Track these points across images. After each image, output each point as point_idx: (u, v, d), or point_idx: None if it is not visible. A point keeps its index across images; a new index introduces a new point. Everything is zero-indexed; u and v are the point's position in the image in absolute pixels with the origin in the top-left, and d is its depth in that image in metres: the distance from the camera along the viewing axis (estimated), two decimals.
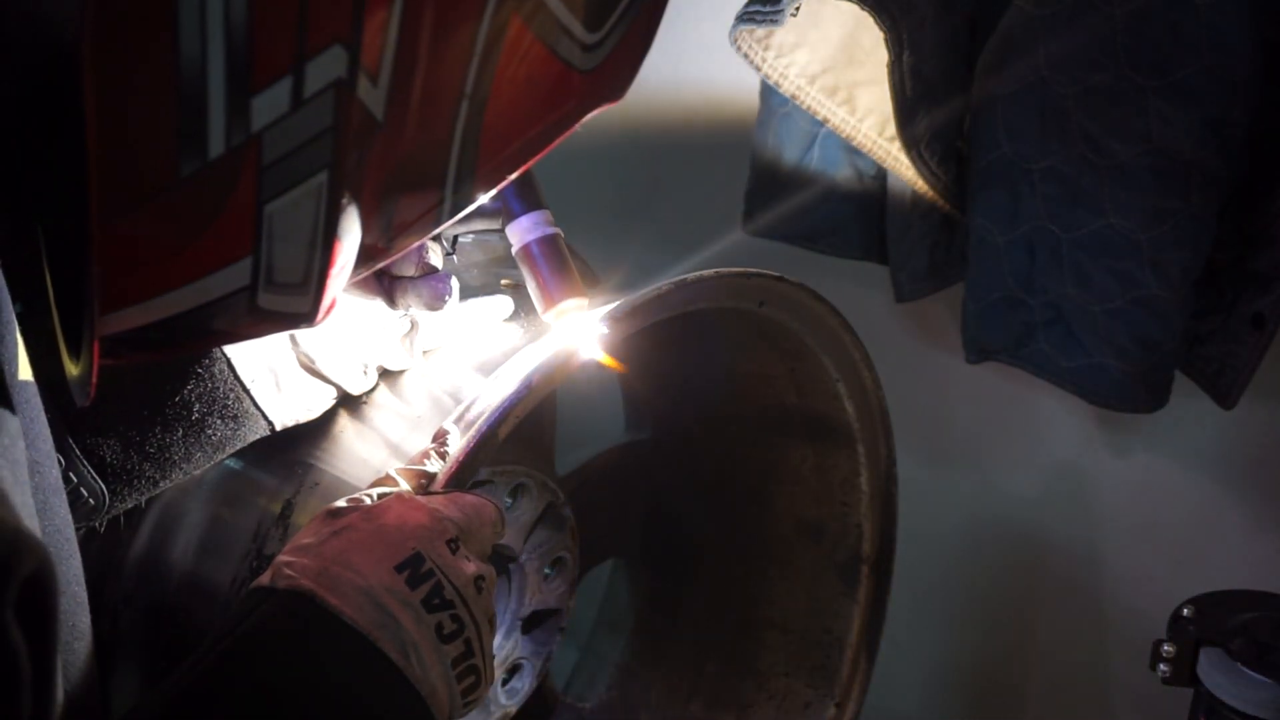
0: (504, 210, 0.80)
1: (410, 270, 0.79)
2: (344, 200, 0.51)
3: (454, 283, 0.80)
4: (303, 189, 0.49)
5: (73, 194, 0.44)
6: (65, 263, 0.46)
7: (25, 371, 0.50)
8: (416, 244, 0.59)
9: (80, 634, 0.57)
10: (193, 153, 0.46)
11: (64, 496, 0.56)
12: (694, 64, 1.28)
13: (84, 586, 0.58)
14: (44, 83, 0.43)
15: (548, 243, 0.79)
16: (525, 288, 0.83)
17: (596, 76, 0.59)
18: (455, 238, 0.90)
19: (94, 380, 0.48)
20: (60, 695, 0.44)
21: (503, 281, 0.90)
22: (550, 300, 0.79)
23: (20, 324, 0.49)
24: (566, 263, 0.79)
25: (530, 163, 0.60)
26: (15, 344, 0.49)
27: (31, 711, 0.41)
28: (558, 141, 0.60)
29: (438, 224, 0.58)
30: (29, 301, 0.48)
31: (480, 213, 0.61)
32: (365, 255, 0.56)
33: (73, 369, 0.49)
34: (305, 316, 0.55)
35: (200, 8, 0.43)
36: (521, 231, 0.79)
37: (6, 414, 0.47)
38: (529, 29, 0.54)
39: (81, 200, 0.44)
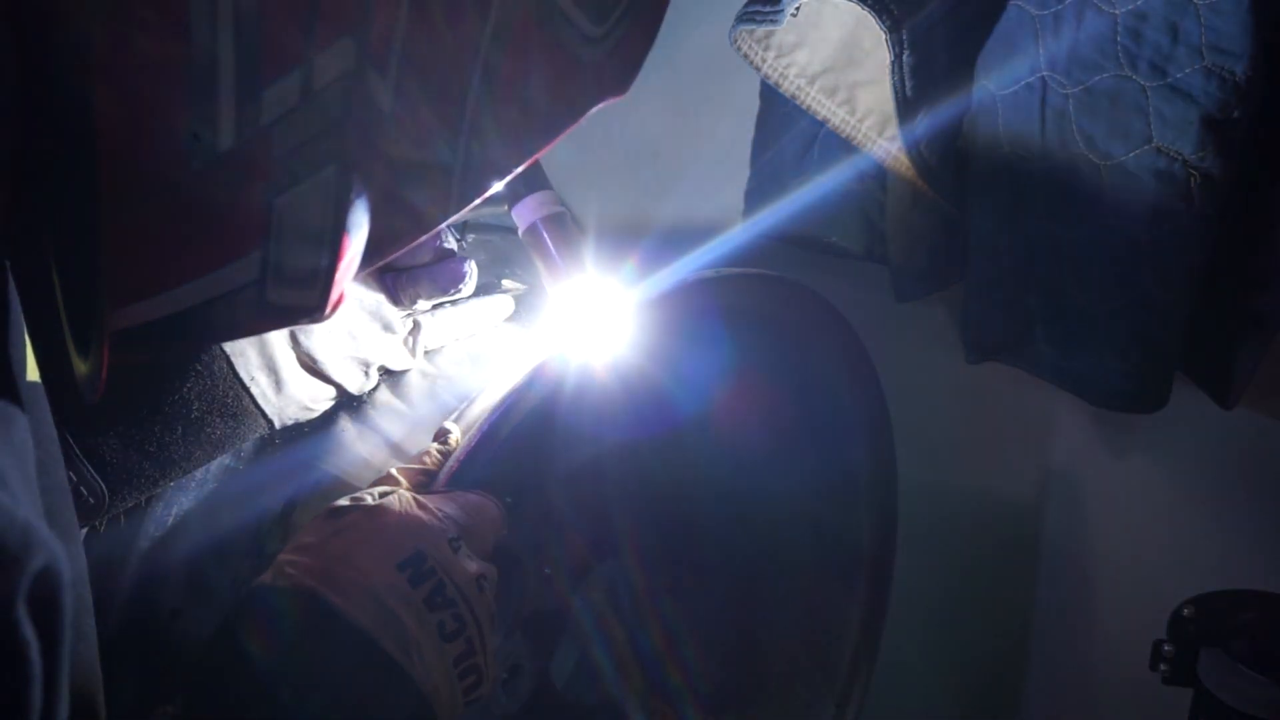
0: (509, 192, 0.80)
1: (425, 257, 0.79)
2: (353, 193, 0.51)
3: (471, 266, 0.80)
4: (312, 182, 0.49)
5: (82, 188, 0.44)
6: (73, 258, 0.46)
7: (33, 373, 0.49)
8: (423, 237, 0.59)
9: (84, 635, 0.56)
10: (203, 146, 0.46)
11: (70, 498, 0.55)
12: (694, 63, 1.28)
13: (89, 588, 0.57)
14: (54, 75, 0.43)
15: (554, 221, 0.79)
16: (525, 289, 0.83)
17: (601, 69, 0.60)
18: (465, 224, 0.90)
19: (103, 377, 0.48)
20: (67, 693, 0.44)
21: (503, 282, 0.90)
22: (559, 277, 0.79)
23: (28, 322, 0.49)
24: (574, 240, 0.80)
25: (536, 156, 0.60)
26: (23, 345, 0.49)
27: (41, 707, 0.41)
28: (563, 135, 0.60)
29: (445, 217, 0.58)
30: (35, 298, 0.48)
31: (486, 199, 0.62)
32: (373, 248, 0.56)
33: (81, 366, 0.49)
34: (313, 310, 0.55)
35: (211, 1, 0.43)
36: (528, 212, 0.79)
37: (16, 413, 0.47)
38: (535, 21, 0.54)
39: (91, 195, 0.44)
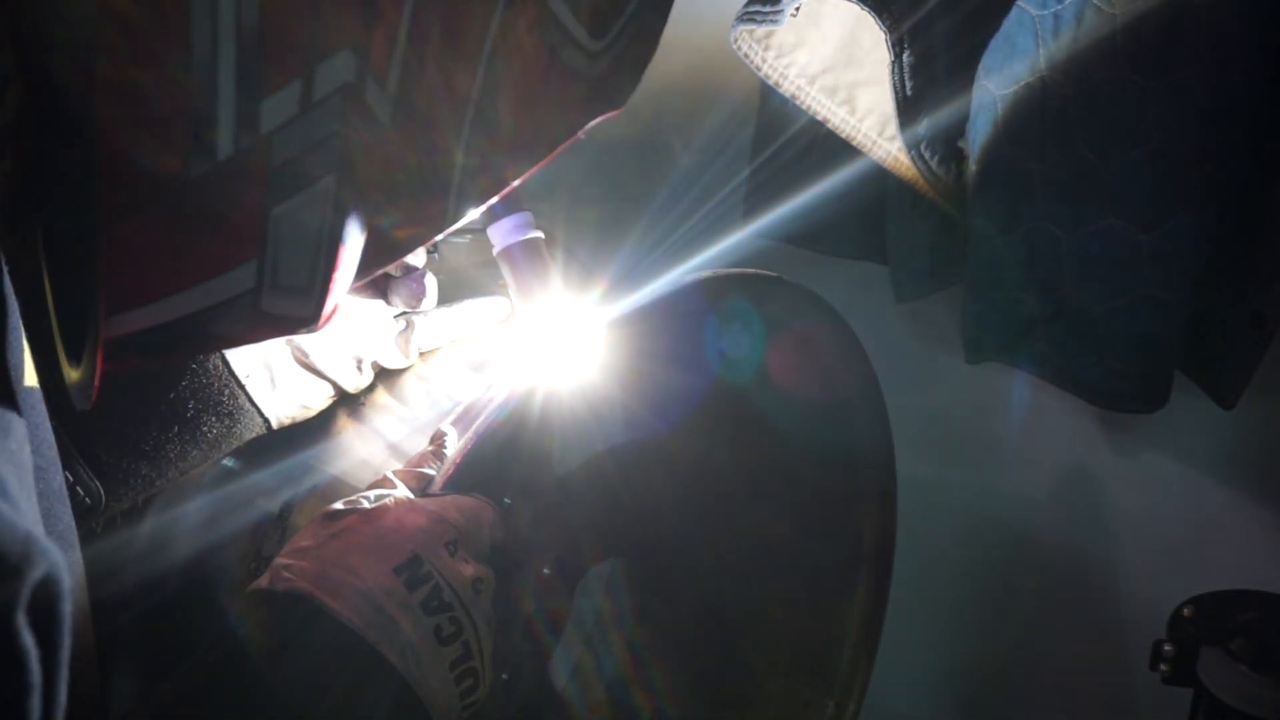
0: (487, 212, 0.81)
1: (393, 270, 0.80)
2: (350, 204, 0.51)
3: (429, 282, 0.81)
4: (310, 192, 0.49)
5: (80, 195, 0.44)
6: (65, 265, 0.46)
7: (31, 378, 0.49)
8: (420, 248, 0.59)
9: (82, 640, 0.56)
10: (202, 155, 0.46)
11: (68, 503, 0.55)
12: (694, 63, 1.28)
13: (86, 592, 0.57)
14: (55, 82, 0.43)
15: (529, 246, 0.81)
16: None
17: (600, 83, 0.59)
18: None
19: (96, 385, 0.48)
20: (65, 700, 0.44)
21: (499, 283, 0.90)
22: (529, 302, 0.80)
23: (24, 328, 0.49)
24: (546, 266, 0.81)
25: (533, 169, 0.60)
26: (21, 350, 0.49)
27: (41, 716, 0.41)
28: (561, 148, 0.60)
29: (442, 228, 0.58)
30: (26, 305, 0.48)
31: None
32: (369, 259, 0.56)
33: (72, 373, 0.49)
34: (307, 320, 0.55)
35: (213, 11, 0.43)
36: (504, 234, 0.81)
37: (14, 418, 0.47)
38: (534, 35, 0.54)
39: (89, 201, 0.44)
